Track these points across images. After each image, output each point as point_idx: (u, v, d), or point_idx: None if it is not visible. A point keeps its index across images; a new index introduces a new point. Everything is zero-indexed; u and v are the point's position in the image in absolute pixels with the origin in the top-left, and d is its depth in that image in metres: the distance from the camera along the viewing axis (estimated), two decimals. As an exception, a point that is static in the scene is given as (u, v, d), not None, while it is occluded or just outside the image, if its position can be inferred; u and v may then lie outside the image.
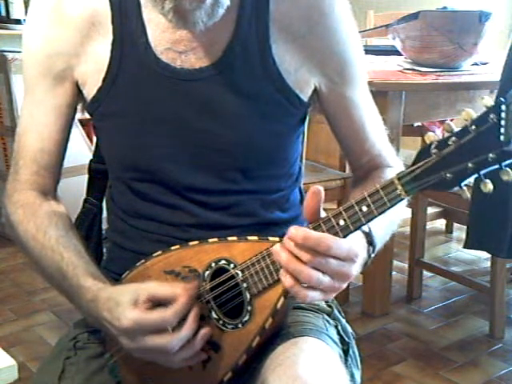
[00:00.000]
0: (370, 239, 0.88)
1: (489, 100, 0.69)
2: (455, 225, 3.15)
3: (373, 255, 0.90)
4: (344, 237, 0.79)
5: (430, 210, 2.75)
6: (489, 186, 0.70)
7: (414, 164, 0.74)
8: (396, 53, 2.47)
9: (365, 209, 0.77)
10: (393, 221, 0.98)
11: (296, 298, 0.80)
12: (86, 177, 1.15)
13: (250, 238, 0.89)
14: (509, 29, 3.52)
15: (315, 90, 1.01)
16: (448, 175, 0.71)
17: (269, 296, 0.86)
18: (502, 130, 0.67)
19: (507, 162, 0.68)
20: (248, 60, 0.96)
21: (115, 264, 1.06)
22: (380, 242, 0.91)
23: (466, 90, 2.29)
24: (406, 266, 2.58)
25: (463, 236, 2.16)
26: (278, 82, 0.97)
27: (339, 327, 1.03)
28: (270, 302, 0.86)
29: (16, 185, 1.02)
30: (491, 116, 0.68)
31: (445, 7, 2.43)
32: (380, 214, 0.77)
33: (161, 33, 0.96)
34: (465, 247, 2.13)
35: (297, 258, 0.78)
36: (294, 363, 0.85)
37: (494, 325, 2.28)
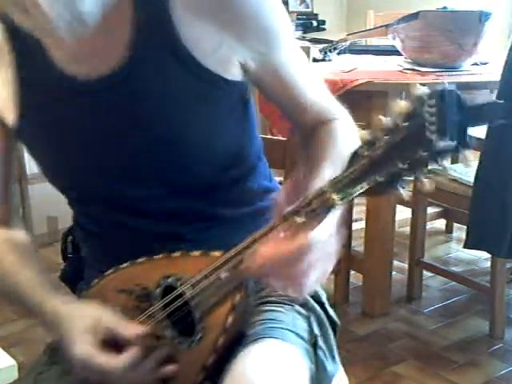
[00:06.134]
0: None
1: (417, 91, 0.64)
2: (455, 225, 3.15)
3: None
4: None
5: (430, 210, 2.74)
6: (426, 186, 0.65)
7: (346, 169, 0.70)
8: (396, 53, 2.47)
9: (299, 220, 0.75)
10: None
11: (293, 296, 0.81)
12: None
13: (191, 253, 0.88)
14: (509, 29, 3.52)
15: (242, 67, 0.93)
16: (381, 179, 0.66)
17: (219, 313, 0.85)
18: (432, 128, 0.63)
19: (440, 158, 0.64)
20: (156, 57, 0.89)
21: (85, 278, 1.07)
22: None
23: (466, 90, 2.29)
24: (406, 265, 2.58)
25: (463, 236, 2.16)
26: (195, 68, 0.89)
27: (312, 318, 0.99)
28: (220, 320, 0.85)
29: None
30: (420, 111, 0.63)
31: (445, 7, 2.44)
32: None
33: (60, 48, 0.90)
34: (465, 247, 2.14)
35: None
36: (242, 367, 0.84)
37: (494, 325, 2.27)
